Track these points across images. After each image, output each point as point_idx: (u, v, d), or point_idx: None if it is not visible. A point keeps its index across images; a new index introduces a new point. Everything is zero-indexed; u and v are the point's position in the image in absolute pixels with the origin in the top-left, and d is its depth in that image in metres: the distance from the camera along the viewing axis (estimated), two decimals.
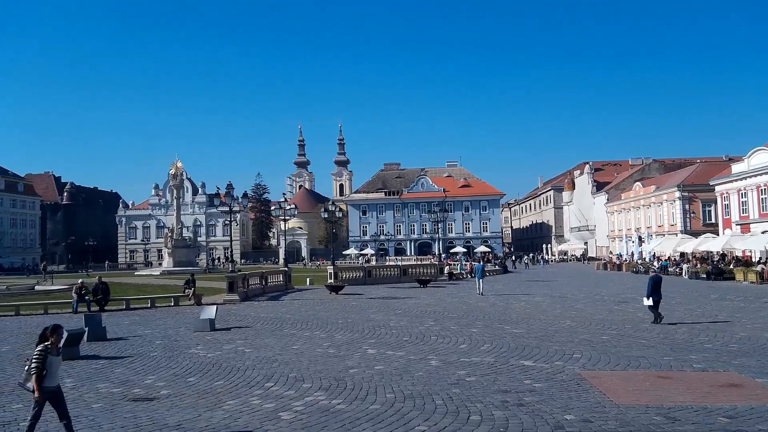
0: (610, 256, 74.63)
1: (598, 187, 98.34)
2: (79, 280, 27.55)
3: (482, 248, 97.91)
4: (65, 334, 9.71)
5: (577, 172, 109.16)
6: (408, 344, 14.92)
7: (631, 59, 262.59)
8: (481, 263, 41.51)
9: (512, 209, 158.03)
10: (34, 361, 6.85)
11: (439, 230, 70.90)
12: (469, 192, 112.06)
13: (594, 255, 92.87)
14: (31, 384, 6.85)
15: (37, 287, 40.28)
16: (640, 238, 65.37)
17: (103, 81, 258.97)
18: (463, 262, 63.13)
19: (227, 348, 14.93)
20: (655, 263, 51.09)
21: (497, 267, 60.58)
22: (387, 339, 15.91)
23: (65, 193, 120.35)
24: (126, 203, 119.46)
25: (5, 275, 72.65)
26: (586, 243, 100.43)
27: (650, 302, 17.92)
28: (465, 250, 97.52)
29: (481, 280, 31.22)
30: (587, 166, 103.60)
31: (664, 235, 66.87)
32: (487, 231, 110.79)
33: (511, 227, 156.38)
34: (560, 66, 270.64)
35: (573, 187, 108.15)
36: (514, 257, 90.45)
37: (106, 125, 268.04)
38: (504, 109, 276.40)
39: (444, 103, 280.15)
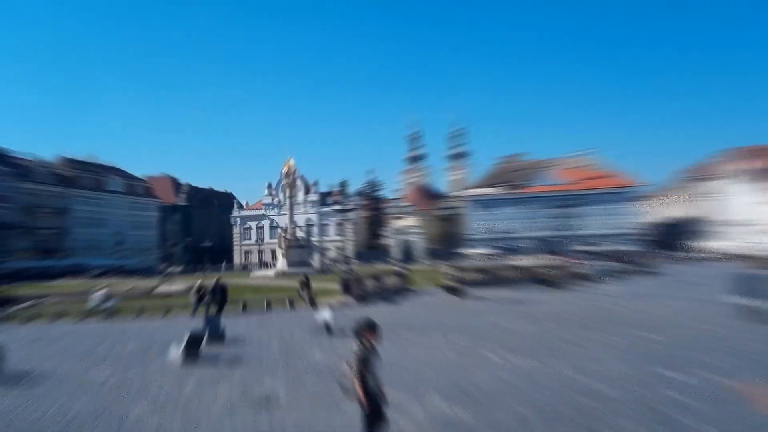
0: None
1: (755, 175, 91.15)
2: (198, 282, 29.26)
3: (615, 246, 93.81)
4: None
5: (729, 160, 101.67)
6: (535, 351, 14.61)
7: None
8: (611, 262, 39.87)
9: (652, 202, 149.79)
10: (354, 364, 6.54)
11: (567, 226, 68.66)
12: (600, 184, 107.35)
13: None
14: (354, 391, 6.48)
15: (157, 289, 43.47)
16: None
17: (213, 82, 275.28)
18: (591, 262, 60.80)
19: (343, 351, 15.37)
20: None
21: (634, 266, 57.72)
22: (511, 345, 15.68)
23: (182, 195, 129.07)
24: (240, 204, 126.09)
25: (127, 276, 79.22)
26: (743, 240, 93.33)
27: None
28: (595, 247, 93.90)
29: (613, 282, 30.25)
30: (741, 152, 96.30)
31: None
32: (621, 226, 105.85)
33: (652, 222, 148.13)
34: (705, 43, 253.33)
35: (726, 176, 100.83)
36: (654, 255, 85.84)
37: (218, 125, 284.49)
38: (640, 91, 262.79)
39: (568, 88, 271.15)
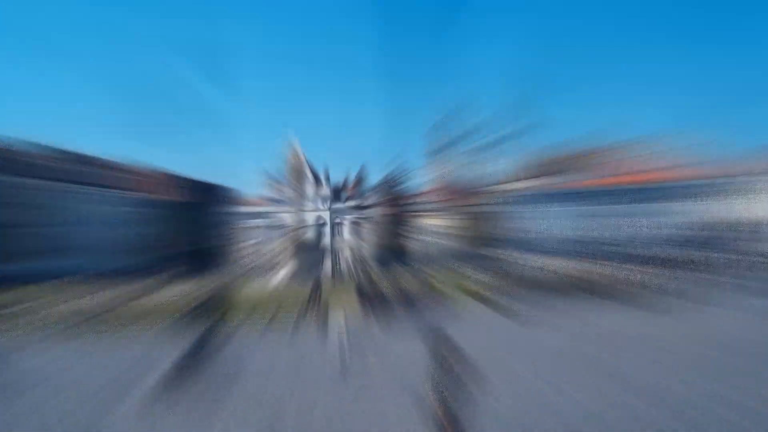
0: None
1: None
2: (194, 288, 29.18)
3: (686, 251, 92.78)
4: None
5: None
6: (585, 376, 14.10)
7: None
8: (686, 271, 39.16)
9: (742, 195, 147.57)
10: (438, 390, 6.20)
11: (630, 226, 67.82)
12: (672, 175, 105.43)
13: None
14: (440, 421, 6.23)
15: (146, 297, 43.49)
16: None
17: (209, 61, 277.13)
18: (660, 270, 60.02)
19: (356, 368, 15.10)
20: None
21: (724, 277, 56.41)
22: (557, 368, 15.24)
23: (178, 190, 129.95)
24: (241, 199, 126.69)
25: (115, 280, 79.68)
26: None
27: None
28: (668, 252, 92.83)
29: (689, 296, 29.63)
30: None
31: None
32: (699, 226, 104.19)
33: (736, 222, 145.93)
34: None
35: None
36: (741, 263, 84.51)
37: (215, 110, 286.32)
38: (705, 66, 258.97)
39: (626, 62, 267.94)
